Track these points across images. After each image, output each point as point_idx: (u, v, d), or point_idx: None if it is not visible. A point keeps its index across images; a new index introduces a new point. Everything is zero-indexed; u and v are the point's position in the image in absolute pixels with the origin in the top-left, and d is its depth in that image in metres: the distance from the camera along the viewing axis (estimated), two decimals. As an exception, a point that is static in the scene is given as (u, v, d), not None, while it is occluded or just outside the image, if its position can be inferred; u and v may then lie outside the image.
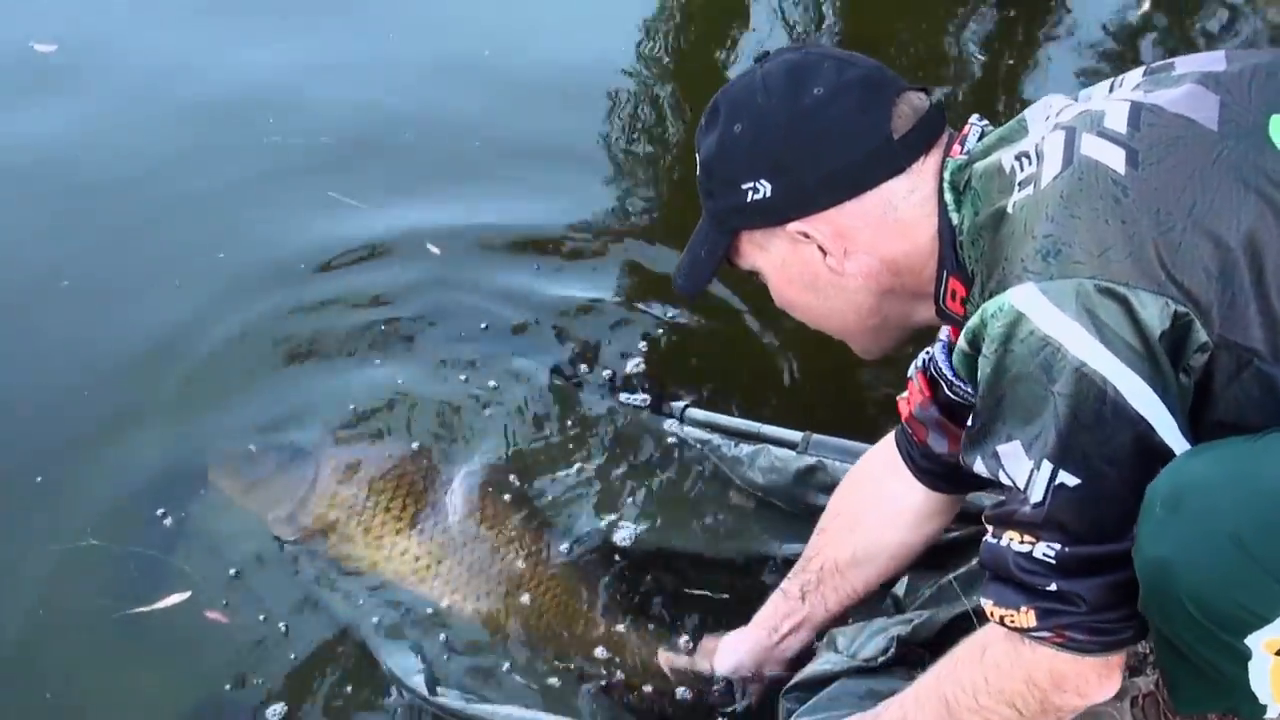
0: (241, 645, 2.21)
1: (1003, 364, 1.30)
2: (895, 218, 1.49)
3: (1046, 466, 1.28)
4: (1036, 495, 1.30)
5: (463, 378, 2.71)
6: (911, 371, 1.84)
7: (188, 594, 2.28)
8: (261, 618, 2.25)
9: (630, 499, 2.46)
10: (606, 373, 2.73)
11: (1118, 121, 1.32)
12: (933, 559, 2.16)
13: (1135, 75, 1.44)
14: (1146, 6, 4.18)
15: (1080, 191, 1.29)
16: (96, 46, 3.78)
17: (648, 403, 2.65)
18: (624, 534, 2.40)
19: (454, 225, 3.12)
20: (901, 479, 1.94)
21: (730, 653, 2.09)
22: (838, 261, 1.54)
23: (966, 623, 1.94)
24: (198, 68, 3.68)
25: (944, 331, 1.75)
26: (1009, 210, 1.35)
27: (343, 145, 3.40)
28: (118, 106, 3.53)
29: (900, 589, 2.15)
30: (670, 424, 2.59)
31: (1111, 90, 1.44)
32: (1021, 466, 1.30)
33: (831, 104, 1.46)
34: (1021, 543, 1.34)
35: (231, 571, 2.33)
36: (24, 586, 2.31)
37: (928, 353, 1.81)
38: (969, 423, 1.41)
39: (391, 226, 3.12)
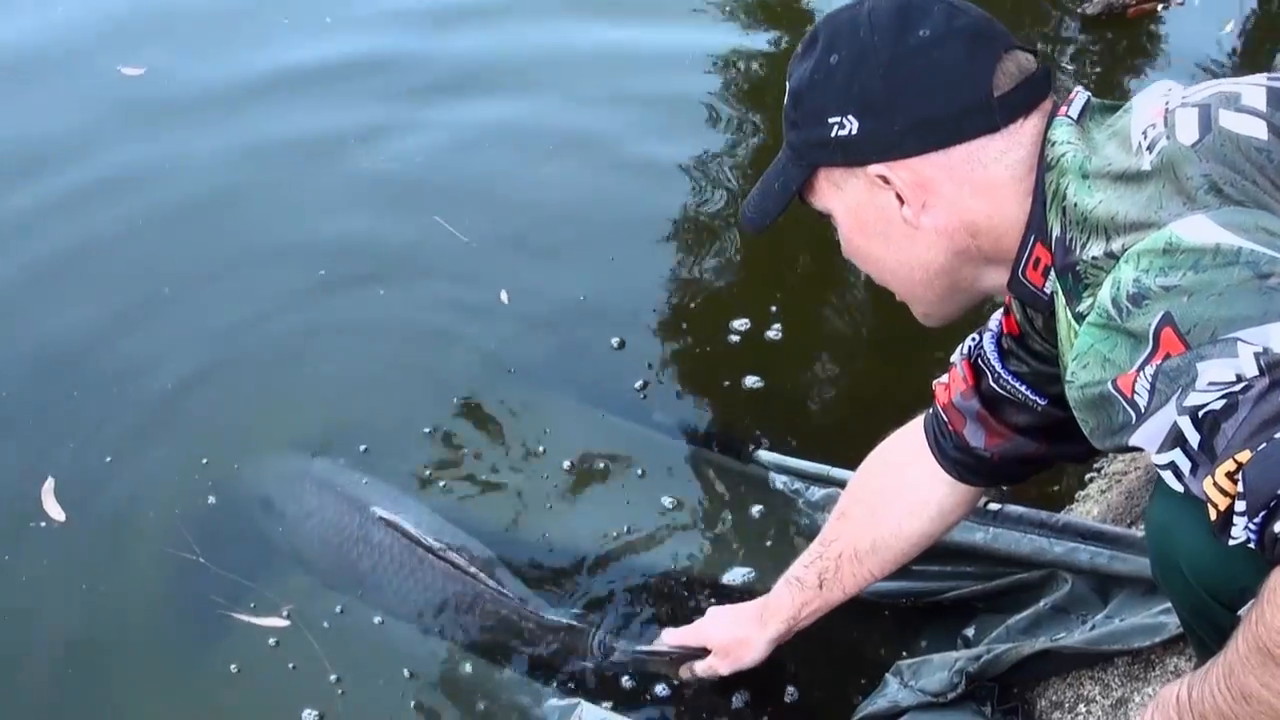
0: (303, 654, 2.28)
1: (1198, 284, 1.17)
2: (983, 176, 1.44)
3: None
4: None
5: (542, 432, 2.74)
6: (955, 358, 1.81)
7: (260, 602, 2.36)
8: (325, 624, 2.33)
9: (708, 541, 2.49)
10: (679, 414, 2.78)
11: (1256, 100, 1.29)
12: (1000, 600, 2.16)
13: (1258, 76, 1.37)
14: (1230, 26, 4.29)
15: (1225, 154, 1.25)
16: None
17: (720, 444, 2.69)
18: (682, 568, 2.43)
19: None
20: (926, 467, 1.89)
21: (744, 649, 2.08)
22: (914, 213, 1.48)
23: (1037, 662, 1.93)
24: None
25: (994, 320, 1.73)
26: (1145, 167, 1.29)
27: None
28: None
29: (970, 631, 2.15)
30: (746, 466, 2.61)
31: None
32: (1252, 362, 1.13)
33: (936, 49, 1.41)
34: None
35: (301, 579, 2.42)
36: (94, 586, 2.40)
37: (974, 339, 1.78)
38: (1147, 379, 1.20)
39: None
